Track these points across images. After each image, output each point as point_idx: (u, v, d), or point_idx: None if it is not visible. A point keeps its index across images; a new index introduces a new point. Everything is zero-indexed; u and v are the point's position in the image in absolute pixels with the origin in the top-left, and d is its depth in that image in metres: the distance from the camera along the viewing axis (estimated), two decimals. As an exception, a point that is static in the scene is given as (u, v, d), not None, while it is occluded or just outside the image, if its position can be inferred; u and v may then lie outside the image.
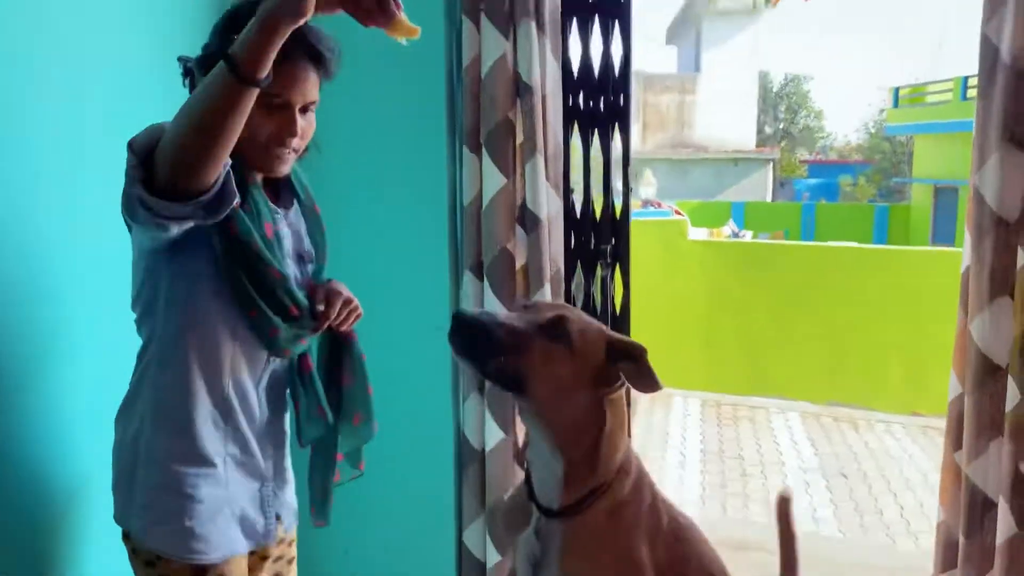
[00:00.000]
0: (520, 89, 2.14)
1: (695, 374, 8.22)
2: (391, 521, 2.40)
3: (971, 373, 2.03)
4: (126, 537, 1.44)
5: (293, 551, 1.67)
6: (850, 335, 7.97)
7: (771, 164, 22.44)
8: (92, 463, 1.67)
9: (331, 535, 2.35)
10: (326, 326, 1.51)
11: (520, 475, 2.31)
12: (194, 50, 1.42)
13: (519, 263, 2.24)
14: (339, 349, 1.62)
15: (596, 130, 2.30)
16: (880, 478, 5.88)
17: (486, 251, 2.24)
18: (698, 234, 11.92)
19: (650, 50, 23.55)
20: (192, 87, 1.42)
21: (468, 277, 2.28)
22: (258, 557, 1.58)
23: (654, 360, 1.35)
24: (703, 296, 8.23)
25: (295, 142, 1.42)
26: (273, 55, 1.17)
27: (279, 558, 1.63)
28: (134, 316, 1.45)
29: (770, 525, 4.15)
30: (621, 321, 2.36)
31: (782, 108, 37.37)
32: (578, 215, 2.35)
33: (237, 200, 1.28)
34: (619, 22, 2.24)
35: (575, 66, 2.28)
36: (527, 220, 2.19)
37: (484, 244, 2.24)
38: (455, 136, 2.27)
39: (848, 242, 10.57)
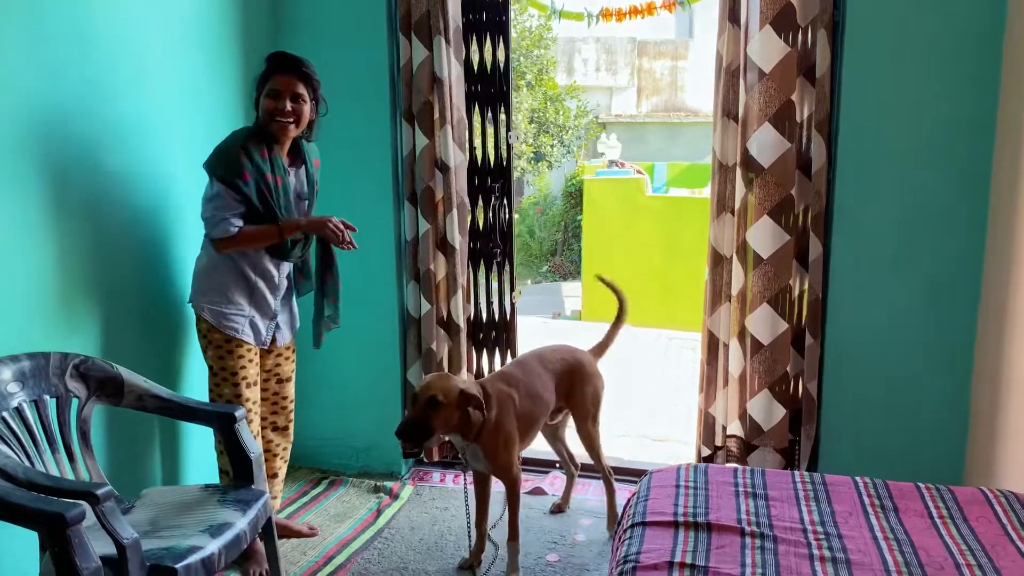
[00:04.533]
0: (435, 81, 3.32)
1: (653, 314, 9.35)
2: (360, 364, 3.62)
3: (708, 261, 3.23)
4: (196, 314, 2.69)
5: (290, 352, 2.96)
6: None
7: (760, 128, 23.14)
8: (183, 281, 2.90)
9: (321, 373, 3.61)
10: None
11: (441, 335, 3.53)
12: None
13: (438, 196, 3.44)
14: (327, 263, 2.90)
15: (489, 108, 3.49)
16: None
17: (417, 186, 3.43)
18: (679, 193, 12.98)
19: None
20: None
21: (406, 205, 3.49)
22: (265, 352, 2.85)
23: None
24: (658, 245, 9.33)
25: (289, 117, 2.64)
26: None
27: (279, 355, 2.91)
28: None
29: (687, 426, 5.37)
30: (506, 234, 3.56)
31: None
32: (478, 164, 3.54)
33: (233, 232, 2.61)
34: (501, 36, 3.42)
35: (475, 65, 3.46)
36: (441, 167, 3.39)
37: (416, 182, 3.43)
38: (396, 112, 3.46)
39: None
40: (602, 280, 3.23)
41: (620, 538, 2.21)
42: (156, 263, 2.87)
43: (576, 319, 10.17)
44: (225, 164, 2.58)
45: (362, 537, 3.11)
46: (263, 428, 2.92)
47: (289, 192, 2.72)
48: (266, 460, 2.95)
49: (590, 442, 3.10)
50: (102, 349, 2.61)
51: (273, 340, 2.85)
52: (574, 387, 3.04)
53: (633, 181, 9.56)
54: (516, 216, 16.45)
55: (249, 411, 2.72)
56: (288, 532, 3.06)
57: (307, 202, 2.85)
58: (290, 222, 2.67)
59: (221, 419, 2.45)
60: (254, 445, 2.48)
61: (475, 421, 2.65)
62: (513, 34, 12.94)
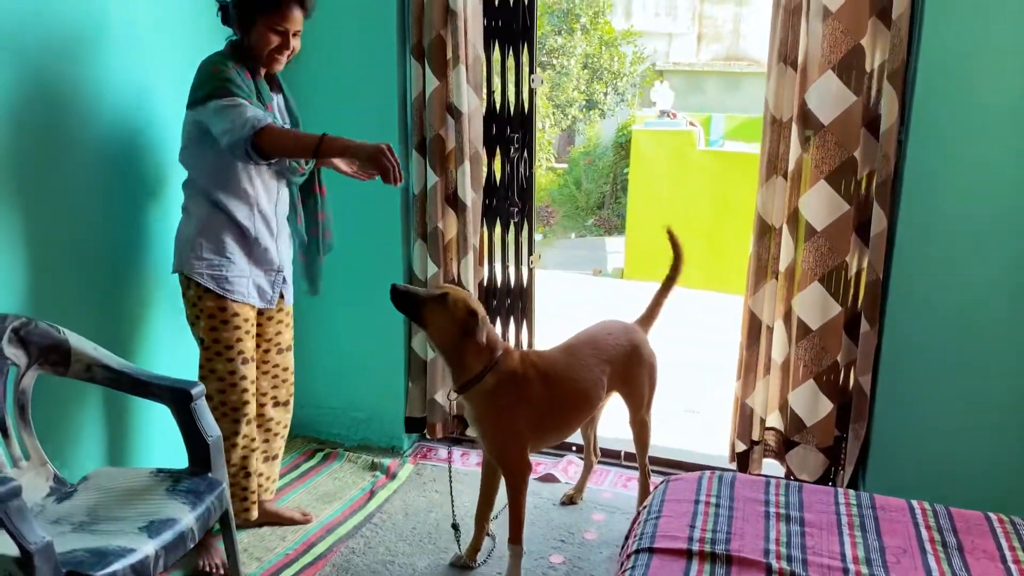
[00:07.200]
0: (449, 13, 2.91)
1: (696, 275, 8.89)
2: (362, 329, 3.30)
3: (754, 231, 2.81)
4: (185, 280, 2.38)
5: (290, 318, 2.66)
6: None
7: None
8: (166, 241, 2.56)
9: (321, 336, 3.31)
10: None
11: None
12: None
13: (449, 145, 3.06)
14: (317, 200, 2.62)
15: (510, 47, 3.07)
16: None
17: (426, 133, 3.05)
18: (735, 147, 12.37)
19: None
20: (224, 19, 2.35)
21: (414, 155, 3.11)
22: (266, 317, 2.56)
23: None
24: (708, 202, 8.82)
25: (287, 53, 2.37)
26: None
27: (280, 321, 2.61)
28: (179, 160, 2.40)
29: (712, 395, 4.96)
30: (526, 190, 3.17)
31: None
32: (496, 111, 3.14)
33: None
34: (528, -37, 2.98)
35: (495, -4, 3.04)
36: (453, 112, 3.00)
37: (425, 128, 3.06)
38: (405, 49, 3.06)
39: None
40: (671, 235, 2.81)
41: (622, 565, 1.86)
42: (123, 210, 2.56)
43: (618, 277, 9.76)
44: (215, 82, 2.23)
45: (349, 522, 2.83)
46: (263, 405, 2.64)
47: (276, 117, 2.42)
48: (267, 440, 2.68)
49: (642, 432, 2.76)
50: (49, 311, 2.31)
51: (280, 298, 2.57)
52: (630, 373, 2.66)
53: (684, 133, 9.02)
54: (565, 166, 15.86)
55: (245, 391, 2.44)
56: (279, 520, 2.78)
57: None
58: (335, 138, 2.16)
59: (176, 395, 2.14)
60: (212, 427, 2.18)
61: (469, 366, 2.34)
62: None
